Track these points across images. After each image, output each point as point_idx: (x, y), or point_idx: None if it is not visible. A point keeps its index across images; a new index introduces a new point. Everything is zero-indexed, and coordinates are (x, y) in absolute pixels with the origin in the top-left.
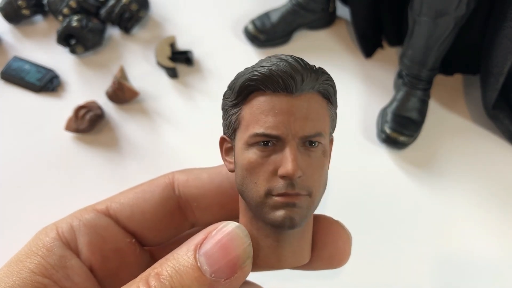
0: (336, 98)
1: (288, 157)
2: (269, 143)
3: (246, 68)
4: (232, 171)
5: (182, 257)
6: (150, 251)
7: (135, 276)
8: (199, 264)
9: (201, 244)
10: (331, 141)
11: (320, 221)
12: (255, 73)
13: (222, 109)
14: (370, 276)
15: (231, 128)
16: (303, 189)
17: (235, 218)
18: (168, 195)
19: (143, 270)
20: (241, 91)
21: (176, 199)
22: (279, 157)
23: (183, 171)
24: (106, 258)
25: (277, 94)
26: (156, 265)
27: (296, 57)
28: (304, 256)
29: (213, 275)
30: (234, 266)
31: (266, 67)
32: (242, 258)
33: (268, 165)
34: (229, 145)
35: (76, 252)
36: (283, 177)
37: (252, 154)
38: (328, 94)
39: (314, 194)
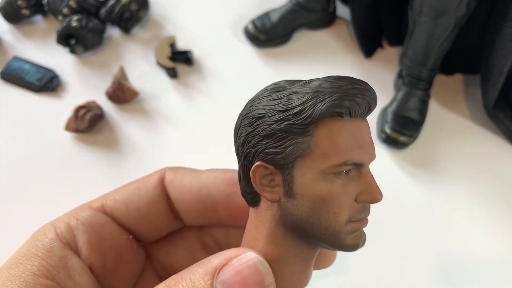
0: None
1: (372, 183)
2: (349, 171)
3: (304, 94)
4: (275, 201)
5: (199, 280)
6: (146, 247)
7: (133, 273)
8: None
9: (219, 271)
10: None
11: None
12: (341, 101)
13: (270, 134)
14: (369, 276)
15: (291, 156)
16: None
17: (212, 226)
18: (161, 192)
19: (141, 267)
20: (320, 118)
21: (167, 196)
22: (357, 184)
23: (172, 169)
24: (105, 255)
25: (353, 119)
26: (170, 281)
27: (360, 81)
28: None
29: None
30: None
31: (353, 94)
32: None
33: (348, 193)
34: (268, 172)
35: (76, 251)
36: (365, 202)
37: (332, 183)
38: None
39: None
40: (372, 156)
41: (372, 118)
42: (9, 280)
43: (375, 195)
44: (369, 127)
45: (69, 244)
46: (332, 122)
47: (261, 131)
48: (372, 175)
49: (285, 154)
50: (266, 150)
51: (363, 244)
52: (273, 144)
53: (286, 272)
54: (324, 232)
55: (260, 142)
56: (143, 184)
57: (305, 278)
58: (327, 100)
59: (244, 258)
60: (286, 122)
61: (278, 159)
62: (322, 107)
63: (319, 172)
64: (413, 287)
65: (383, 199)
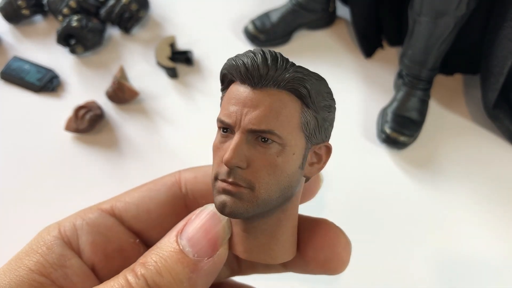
0: (319, 102)
1: (230, 146)
2: (227, 130)
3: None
4: None
5: (165, 244)
6: None
7: None
8: (181, 247)
9: (182, 229)
10: (328, 149)
11: (321, 224)
12: (227, 62)
13: None
14: (370, 276)
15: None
16: (242, 181)
17: None
18: (174, 194)
19: None
20: (222, 79)
21: (183, 197)
22: (229, 145)
23: (190, 169)
24: (109, 258)
25: (243, 85)
26: (141, 257)
27: (271, 52)
28: (274, 256)
29: (196, 255)
30: (215, 244)
31: (234, 58)
32: (222, 235)
33: (222, 151)
34: None
35: (77, 251)
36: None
37: (216, 138)
38: (301, 95)
39: (257, 189)
40: (246, 125)
41: (372, 118)
42: (5, 274)
43: (225, 156)
44: (266, 100)
45: (71, 243)
46: (232, 85)
47: None
48: (235, 141)
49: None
50: None
51: (225, 210)
52: None
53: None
54: None
55: None
56: (155, 186)
57: (242, 248)
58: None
59: (202, 211)
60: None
61: None
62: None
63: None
64: (413, 286)
65: (382, 199)
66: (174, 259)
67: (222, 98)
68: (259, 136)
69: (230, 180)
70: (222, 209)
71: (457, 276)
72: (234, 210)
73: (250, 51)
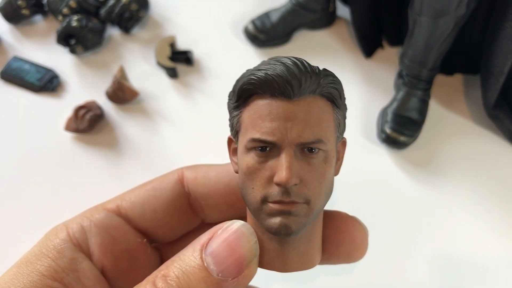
0: (343, 100)
1: (283, 164)
2: (266, 148)
3: (248, 70)
4: (237, 172)
5: (189, 257)
6: (159, 250)
7: (146, 276)
8: (205, 264)
9: (207, 244)
10: (344, 143)
11: (336, 217)
12: (253, 76)
13: (228, 110)
14: (369, 275)
15: (234, 130)
16: (299, 197)
17: (244, 217)
18: (178, 192)
19: (154, 271)
20: (241, 94)
21: (186, 195)
22: (275, 163)
23: (191, 168)
24: (118, 259)
25: (275, 98)
26: (162, 267)
27: (297, 59)
28: (312, 260)
29: (220, 275)
30: (241, 264)
31: (263, 71)
32: (249, 256)
33: (265, 171)
34: (235, 145)
35: (87, 253)
36: (278, 184)
37: (250, 158)
38: (333, 97)
39: (312, 202)
40: (294, 140)
41: (372, 118)
42: (17, 278)
43: (280, 176)
44: (307, 109)
45: (81, 246)
46: (255, 99)
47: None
48: (287, 157)
49: (231, 128)
50: (229, 124)
51: (285, 231)
52: (229, 119)
53: (262, 246)
54: (249, 206)
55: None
56: (159, 185)
57: (280, 263)
58: (244, 76)
59: (228, 227)
60: (229, 98)
61: (231, 132)
62: (239, 84)
63: (243, 146)
64: (413, 286)
65: (382, 199)
66: (197, 276)
67: (238, 115)
68: (305, 148)
69: (288, 200)
70: (280, 232)
71: (457, 275)
72: (294, 229)
73: (272, 61)
